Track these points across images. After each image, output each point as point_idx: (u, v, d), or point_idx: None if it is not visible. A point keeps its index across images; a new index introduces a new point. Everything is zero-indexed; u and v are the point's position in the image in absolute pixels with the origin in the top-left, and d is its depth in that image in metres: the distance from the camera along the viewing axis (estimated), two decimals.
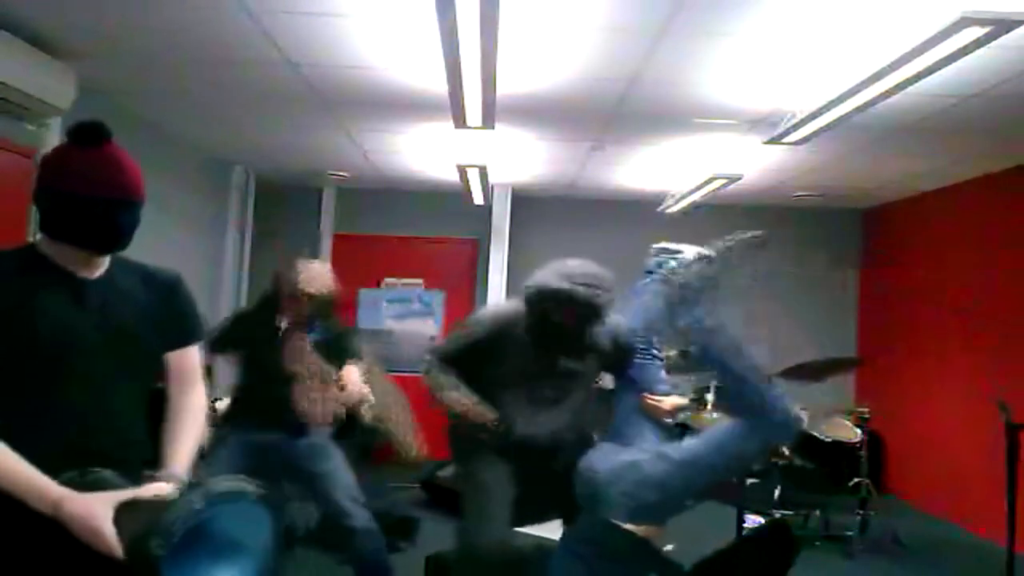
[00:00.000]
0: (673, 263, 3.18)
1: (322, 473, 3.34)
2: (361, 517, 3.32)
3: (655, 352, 3.06)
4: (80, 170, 1.68)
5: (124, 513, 1.53)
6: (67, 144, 1.72)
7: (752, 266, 2.90)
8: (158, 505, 1.56)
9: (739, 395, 2.73)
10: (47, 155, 1.75)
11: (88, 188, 1.67)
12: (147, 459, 1.76)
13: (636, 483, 2.69)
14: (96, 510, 1.51)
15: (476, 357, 3.00)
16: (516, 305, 3.00)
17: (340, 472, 3.37)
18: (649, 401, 2.96)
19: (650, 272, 3.26)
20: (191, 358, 1.95)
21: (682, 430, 3.26)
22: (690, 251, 3.29)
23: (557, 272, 2.85)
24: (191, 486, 1.64)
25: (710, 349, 2.79)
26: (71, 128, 1.72)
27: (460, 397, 2.91)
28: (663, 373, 3.11)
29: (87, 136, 1.71)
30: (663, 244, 3.33)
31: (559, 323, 2.86)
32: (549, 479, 2.98)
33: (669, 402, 2.99)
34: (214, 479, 1.63)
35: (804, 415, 2.76)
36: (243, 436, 3.31)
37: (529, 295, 2.90)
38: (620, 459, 2.80)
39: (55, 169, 1.71)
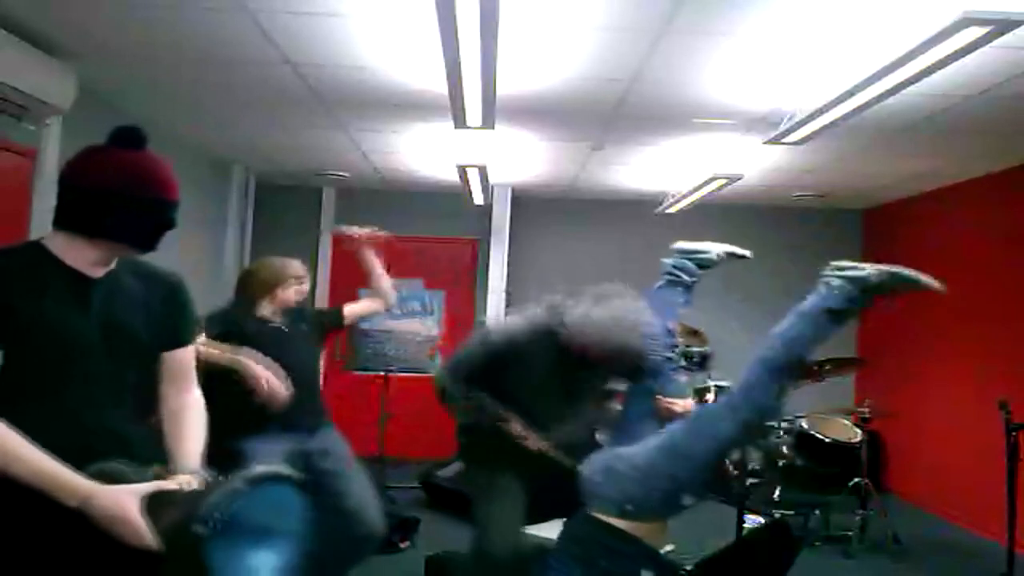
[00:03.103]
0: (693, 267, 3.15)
1: (340, 473, 3.28)
2: (379, 521, 3.30)
3: (667, 354, 3.02)
4: (133, 170, 1.73)
5: (152, 504, 1.55)
6: (106, 146, 1.75)
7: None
8: (188, 495, 1.58)
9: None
10: (83, 154, 1.75)
11: (142, 188, 1.73)
12: (147, 457, 1.76)
13: (619, 474, 2.68)
14: (125, 502, 1.53)
15: (495, 370, 2.96)
16: (532, 323, 2.94)
17: (357, 473, 3.33)
18: (665, 404, 2.93)
19: (668, 274, 3.20)
20: (187, 357, 1.97)
21: None
22: (715, 249, 3.22)
23: (594, 315, 2.77)
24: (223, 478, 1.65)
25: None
26: (114, 131, 1.76)
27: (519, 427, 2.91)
28: (677, 375, 3.06)
29: (131, 139, 1.76)
30: (682, 244, 3.27)
31: (577, 358, 2.83)
32: (558, 484, 2.98)
33: (683, 404, 2.96)
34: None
35: (787, 402, 2.69)
36: (273, 447, 3.12)
37: (554, 325, 2.85)
38: (608, 454, 2.80)
39: (102, 168, 1.72)
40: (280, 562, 1.63)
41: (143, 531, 1.51)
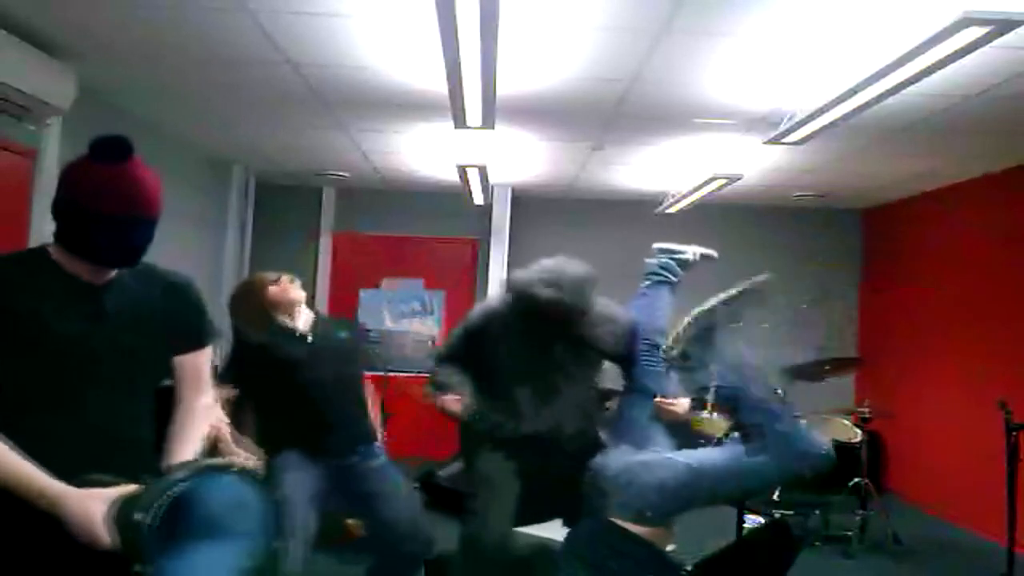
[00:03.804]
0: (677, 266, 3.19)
1: (384, 494, 3.20)
2: (425, 541, 3.24)
3: (663, 355, 3.00)
4: (99, 187, 1.65)
5: (117, 506, 1.53)
6: (88, 158, 1.69)
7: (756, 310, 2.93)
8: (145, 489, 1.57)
9: (764, 425, 2.70)
10: (68, 167, 1.72)
11: (104, 206, 1.65)
12: (155, 458, 1.77)
13: (642, 483, 2.69)
14: (91, 506, 1.52)
15: (471, 350, 3.08)
16: (502, 299, 3.08)
17: (399, 490, 3.27)
18: (664, 405, 2.93)
19: (652, 274, 3.24)
20: (201, 361, 1.95)
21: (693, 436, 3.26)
22: (691, 251, 3.27)
23: (527, 275, 2.95)
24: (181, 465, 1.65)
25: (745, 382, 2.77)
26: (93, 142, 1.68)
27: (450, 400, 3.04)
28: (673, 375, 3.07)
29: (108, 151, 1.68)
30: (663, 245, 3.31)
31: (534, 323, 2.94)
32: (552, 476, 2.98)
33: (683, 404, 2.96)
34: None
35: (830, 446, 2.73)
36: (310, 464, 3.09)
37: (504, 294, 3.05)
38: (630, 459, 2.80)
39: (74, 183, 1.68)
40: (237, 562, 1.60)
41: (102, 537, 1.49)
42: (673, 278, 3.21)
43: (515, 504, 2.98)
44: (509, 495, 2.97)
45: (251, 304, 3.17)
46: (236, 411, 3.12)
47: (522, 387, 2.98)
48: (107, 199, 1.65)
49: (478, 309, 3.22)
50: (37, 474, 1.54)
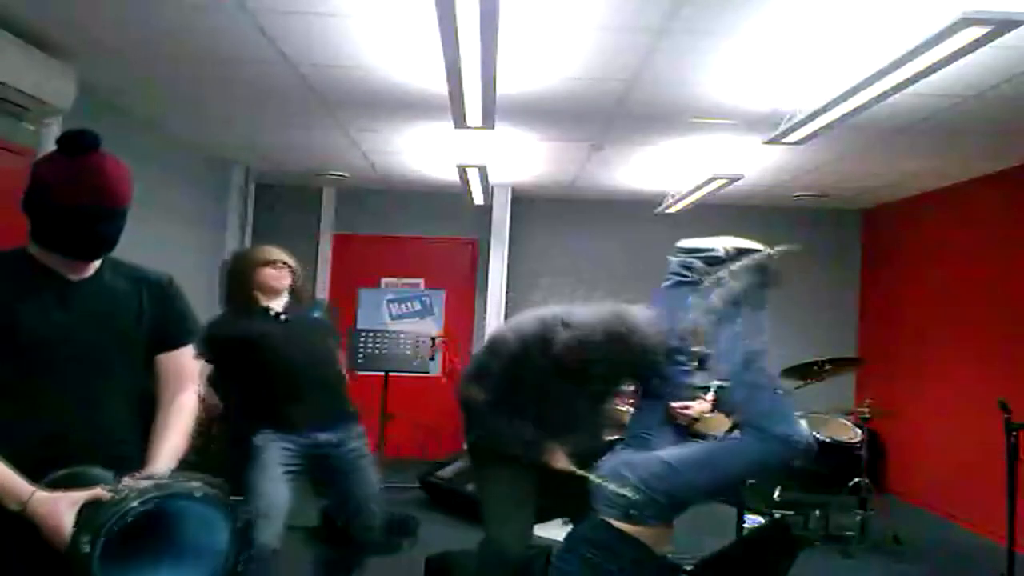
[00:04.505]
0: (723, 273, 2.97)
1: (360, 470, 3.22)
2: (379, 519, 3.26)
3: (681, 357, 2.94)
4: (61, 179, 1.69)
5: (86, 512, 1.52)
6: (55, 152, 1.72)
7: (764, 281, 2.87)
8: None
9: (748, 404, 2.69)
10: (36, 162, 1.76)
11: (67, 197, 1.68)
12: (135, 458, 1.76)
13: (626, 481, 2.69)
14: (59, 509, 1.51)
15: (503, 375, 2.93)
16: (539, 326, 2.88)
17: (372, 471, 3.28)
18: (677, 409, 2.91)
19: (674, 274, 3.08)
20: (184, 359, 1.94)
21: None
22: (722, 245, 3.09)
23: (599, 319, 2.74)
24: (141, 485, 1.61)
25: (734, 356, 2.74)
26: (59, 137, 1.72)
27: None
28: (690, 379, 2.99)
29: (72, 145, 1.71)
30: (686, 243, 3.13)
31: (582, 362, 2.79)
32: (558, 476, 2.98)
33: (696, 408, 2.94)
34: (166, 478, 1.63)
35: (811, 435, 2.67)
36: (285, 438, 3.09)
37: (559, 332, 2.80)
38: (619, 459, 2.80)
39: (39, 177, 1.72)
40: None
41: (67, 540, 1.49)
42: (695, 277, 3.02)
43: (530, 521, 2.97)
44: (525, 514, 2.96)
45: (239, 281, 3.25)
46: (217, 387, 3.21)
47: (550, 412, 2.91)
48: (71, 190, 1.68)
49: (513, 334, 2.94)
50: (7, 474, 1.55)
